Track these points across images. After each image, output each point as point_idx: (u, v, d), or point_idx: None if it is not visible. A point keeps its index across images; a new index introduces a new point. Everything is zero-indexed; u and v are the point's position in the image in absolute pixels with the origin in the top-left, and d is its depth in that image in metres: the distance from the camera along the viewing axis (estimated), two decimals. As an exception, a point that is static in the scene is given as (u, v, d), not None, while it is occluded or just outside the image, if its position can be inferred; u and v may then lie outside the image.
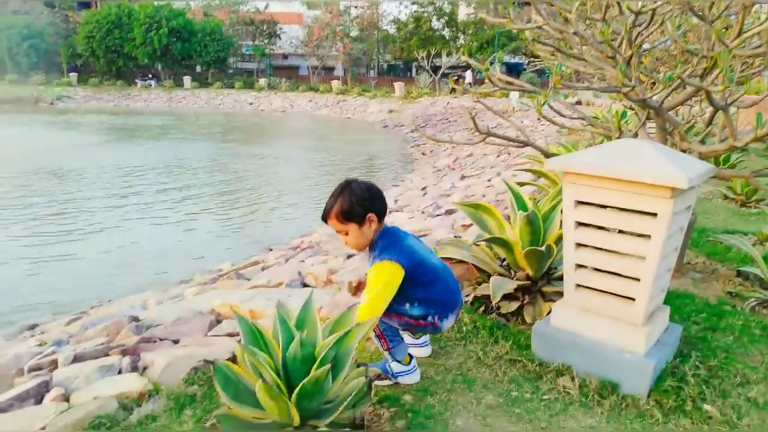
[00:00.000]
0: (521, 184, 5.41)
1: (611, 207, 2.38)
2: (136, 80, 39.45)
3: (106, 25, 37.62)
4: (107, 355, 2.65)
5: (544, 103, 3.11)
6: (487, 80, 3.43)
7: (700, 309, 3.26)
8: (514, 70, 40.08)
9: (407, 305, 2.28)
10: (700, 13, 2.98)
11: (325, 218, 2.27)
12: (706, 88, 2.54)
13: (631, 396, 2.36)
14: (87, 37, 37.89)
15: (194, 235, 8.20)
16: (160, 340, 2.91)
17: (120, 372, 2.51)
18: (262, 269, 5.20)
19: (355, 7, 42.62)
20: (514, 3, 3.42)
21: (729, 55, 2.58)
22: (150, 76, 40.25)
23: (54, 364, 2.67)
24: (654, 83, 3.11)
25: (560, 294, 3.22)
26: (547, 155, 3.71)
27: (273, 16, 42.59)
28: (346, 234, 2.25)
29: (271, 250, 7.14)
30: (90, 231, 8.32)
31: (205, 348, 2.65)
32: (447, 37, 40.79)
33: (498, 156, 10.92)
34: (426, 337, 2.50)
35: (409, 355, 2.45)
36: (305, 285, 3.94)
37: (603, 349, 2.47)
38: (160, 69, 40.69)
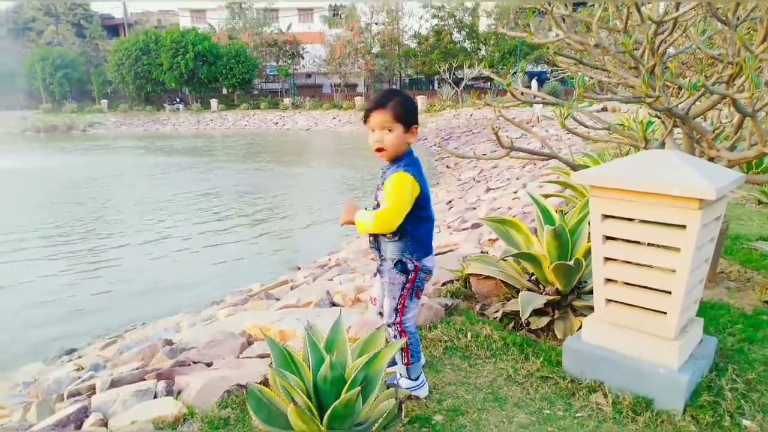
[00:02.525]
0: (547, 196, 5.38)
1: (639, 220, 2.36)
2: (164, 104, 40.41)
3: (135, 52, 38.69)
4: (143, 379, 2.70)
5: (567, 116, 3.10)
6: (508, 93, 3.45)
7: (735, 320, 3.19)
8: (537, 78, 39.96)
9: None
10: (724, 18, 2.96)
11: (374, 109, 2.22)
12: (732, 96, 2.51)
13: (666, 411, 2.32)
14: (117, 65, 39.02)
15: (226, 256, 8.33)
16: (194, 363, 2.96)
17: (155, 396, 2.56)
18: (291, 288, 5.25)
19: (376, 24, 43.03)
20: (534, 13, 3.43)
21: (755, 61, 2.55)
22: (178, 100, 41.19)
23: (92, 389, 2.74)
24: (680, 89, 3.08)
25: (591, 308, 3.18)
26: (573, 167, 3.69)
27: (295, 36, 43.25)
28: (389, 131, 2.21)
29: (299, 268, 7.20)
30: (123, 252, 8.52)
31: (238, 370, 2.69)
32: (468, 49, 40.84)
33: (524, 167, 10.85)
34: (422, 377, 2.49)
35: None
36: (333, 304, 3.96)
37: (635, 364, 2.43)
38: (188, 93, 41.61)
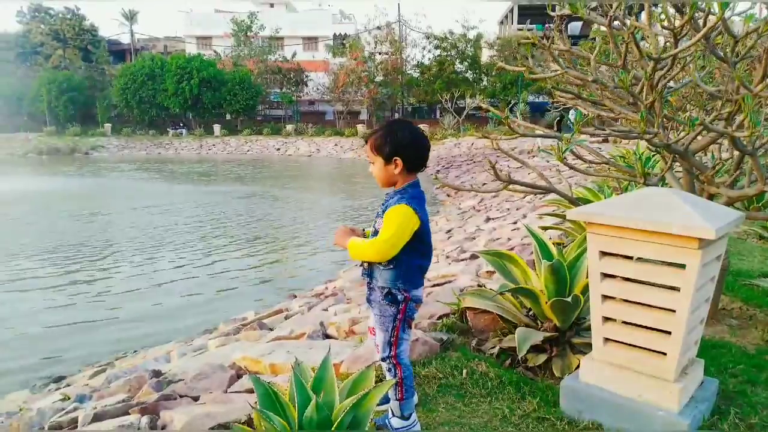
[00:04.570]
0: (546, 228, 5.33)
1: (637, 258, 2.31)
2: (168, 129, 40.68)
3: (140, 76, 39.10)
4: (127, 413, 2.62)
5: (566, 150, 3.08)
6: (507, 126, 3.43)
7: (737, 359, 3.11)
8: (538, 109, 40.32)
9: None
10: (722, 55, 2.95)
11: (366, 140, 2.38)
12: (731, 134, 2.48)
13: (667, 457, 2.24)
14: (122, 89, 39.37)
15: (222, 283, 8.25)
16: (180, 396, 2.88)
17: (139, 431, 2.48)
18: (285, 318, 5.18)
19: (380, 54, 43.57)
20: (533, 46, 3.44)
21: (753, 99, 2.53)
22: (181, 124, 41.46)
23: (74, 424, 2.66)
24: (680, 124, 3.06)
25: (590, 346, 3.12)
26: (571, 201, 3.66)
27: (300, 64, 43.77)
28: (372, 164, 2.33)
29: (295, 296, 7.12)
30: (120, 278, 8.45)
31: (224, 406, 2.61)
32: (470, 79, 41.26)
33: (524, 197, 10.83)
34: (414, 416, 2.41)
35: None
36: (327, 336, 3.89)
37: (634, 406, 2.35)
38: (191, 117, 41.94)
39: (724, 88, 2.81)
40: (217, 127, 39.29)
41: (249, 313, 6.04)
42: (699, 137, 3.22)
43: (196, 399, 2.86)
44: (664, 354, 2.31)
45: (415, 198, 2.27)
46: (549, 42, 3.17)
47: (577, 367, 2.99)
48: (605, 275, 2.42)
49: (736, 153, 3.41)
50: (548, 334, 3.08)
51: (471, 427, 2.48)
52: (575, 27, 53.14)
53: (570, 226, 5.18)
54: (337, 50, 45.17)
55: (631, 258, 2.33)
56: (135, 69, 39.76)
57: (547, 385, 2.86)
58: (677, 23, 2.97)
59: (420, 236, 2.28)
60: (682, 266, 2.18)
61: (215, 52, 45.72)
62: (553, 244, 5.12)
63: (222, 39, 47.45)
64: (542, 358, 3.07)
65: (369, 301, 2.41)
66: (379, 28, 44.01)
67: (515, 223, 8.07)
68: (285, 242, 11.04)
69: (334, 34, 51.58)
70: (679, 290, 2.22)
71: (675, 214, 2.17)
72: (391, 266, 2.28)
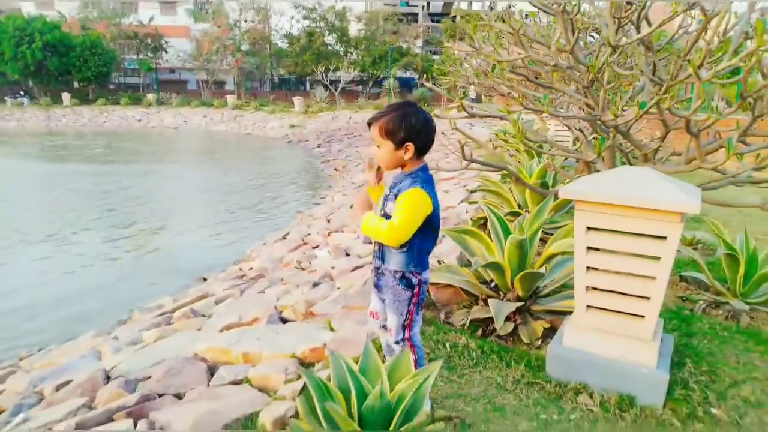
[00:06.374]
0: (472, 202, 5.59)
1: (621, 232, 2.54)
2: (5, 98, 36.02)
3: (-32, 39, 34.14)
4: (112, 419, 2.40)
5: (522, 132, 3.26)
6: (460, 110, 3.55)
7: (669, 316, 3.54)
8: (406, 85, 41.41)
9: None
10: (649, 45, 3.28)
11: (370, 123, 2.28)
12: (688, 117, 2.79)
13: (648, 407, 2.52)
14: (-56, 51, 34.15)
15: (104, 271, 7.50)
16: (159, 396, 2.69)
17: (136, 438, 2.29)
18: (216, 303, 4.95)
19: (245, 21, 41.79)
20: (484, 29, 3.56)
21: (704, 87, 2.86)
22: (22, 93, 36.90)
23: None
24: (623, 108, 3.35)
25: (548, 312, 3.39)
26: (518, 178, 3.88)
27: (158, 29, 40.71)
28: (378, 147, 2.27)
29: (205, 279, 6.80)
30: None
31: (220, 401, 2.49)
32: (340, 52, 41.09)
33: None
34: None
35: None
36: (283, 320, 3.80)
37: (618, 365, 2.61)
38: (33, 85, 37.47)
39: (666, 76, 3.11)
40: (66, 96, 35.42)
41: (165, 299, 5.68)
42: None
43: (178, 396, 2.67)
44: (643, 317, 2.59)
45: (427, 182, 2.28)
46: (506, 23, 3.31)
47: (542, 332, 3.26)
48: (590, 248, 2.63)
49: (658, 133, 3.83)
50: (515, 304, 3.29)
51: (473, 397, 2.60)
52: (437, 5, 54.92)
53: (492, 200, 5.44)
54: (198, 16, 42.62)
55: (616, 232, 2.55)
56: (-40, 28, 34.57)
57: (524, 351, 3.06)
58: (623, 13, 3.26)
59: (431, 220, 2.31)
60: (664, 238, 2.44)
61: (59, 13, 40.94)
62: (477, 217, 5.39)
63: (66, -1, 42.76)
64: (510, 326, 3.26)
65: (377, 286, 2.40)
66: (243, -7, 42.16)
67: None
68: (173, 223, 10.34)
69: (195, -1, 48.60)
70: (659, 259, 2.48)
71: (657, 191, 2.41)
72: (405, 249, 2.29)
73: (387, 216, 2.28)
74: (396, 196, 2.25)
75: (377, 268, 2.39)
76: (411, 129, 2.23)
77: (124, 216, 10.66)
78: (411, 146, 2.23)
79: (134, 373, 3.15)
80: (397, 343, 2.37)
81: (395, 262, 2.31)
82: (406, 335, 2.35)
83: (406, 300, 2.32)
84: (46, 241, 8.81)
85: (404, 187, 2.24)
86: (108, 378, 3.19)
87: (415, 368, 2.37)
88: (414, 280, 2.32)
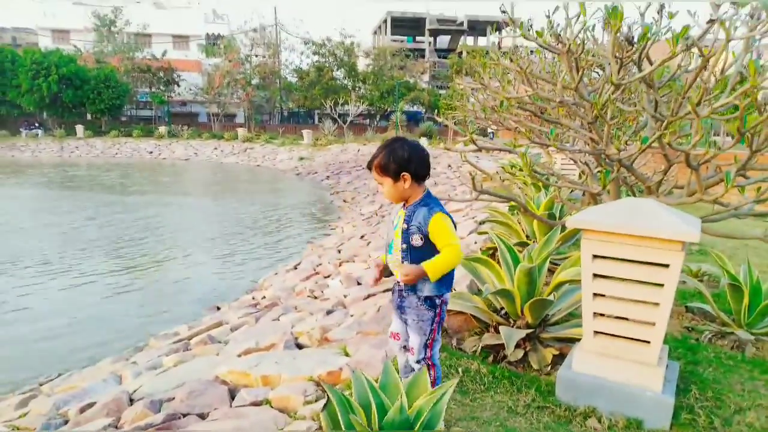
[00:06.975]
0: (481, 233, 5.72)
1: (626, 260, 2.67)
2: (21, 129, 36.78)
3: (-14, 71, 35.05)
4: (140, 437, 2.51)
5: (530, 166, 3.41)
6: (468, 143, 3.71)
7: (675, 345, 3.63)
8: (413, 118, 42.11)
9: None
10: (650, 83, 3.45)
11: (369, 168, 2.48)
12: (687, 151, 2.95)
13: (655, 431, 2.61)
14: (-37, 84, 35.02)
15: (110, 300, 7.63)
16: (183, 415, 2.80)
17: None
18: (232, 330, 5.07)
19: (256, 56, 42.77)
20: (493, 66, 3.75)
21: (701, 123, 3.02)
22: (36, 124, 37.66)
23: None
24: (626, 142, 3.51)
25: (557, 340, 3.49)
26: (526, 209, 4.02)
27: (171, 63, 41.69)
28: (381, 185, 2.44)
29: (219, 308, 6.92)
30: (9, 300, 7.60)
31: (244, 421, 2.60)
32: (348, 86, 41.85)
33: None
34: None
35: None
36: (299, 345, 3.91)
37: (625, 390, 2.71)
38: (47, 117, 38.26)
39: (667, 112, 3.28)
40: (80, 128, 36.11)
41: (180, 327, 5.79)
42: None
43: (202, 416, 2.78)
44: (648, 342, 2.69)
45: (439, 205, 2.43)
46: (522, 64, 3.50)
47: (552, 359, 3.35)
48: (596, 275, 2.76)
49: (662, 166, 3.98)
50: (525, 331, 3.39)
51: (486, 420, 2.69)
52: (443, 41, 55.95)
53: (501, 231, 5.58)
54: (210, 50, 43.63)
55: (621, 260, 2.68)
56: (-21, 62, 35.49)
57: (534, 377, 3.16)
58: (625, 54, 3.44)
59: None
60: (667, 266, 2.57)
61: (75, 47, 42.05)
62: (486, 248, 5.51)
63: (82, 33, 43.89)
64: (520, 353, 3.36)
65: (400, 307, 2.52)
66: (255, 30, 43.23)
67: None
68: (186, 254, 10.50)
69: (207, 33, 49.81)
70: (663, 286, 2.60)
71: (660, 221, 2.55)
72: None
73: (413, 247, 2.41)
74: (418, 228, 2.38)
75: (400, 291, 2.51)
76: (401, 160, 2.39)
77: (139, 246, 10.85)
78: (407, 175, 2.39)
79: (158, 394, 3.26)
80: (418, 362, 2.48)
81: (428, 288, 2.43)
82: (428, 354, 2.48)
83: (429, 320, 2.44)
84: (67, 272, 8.96)
85: (421, 216, 2.38)
86: (131, 400, 3.30)
87: (433, 387, 2.48)
88: (437, 301, 2.44)
